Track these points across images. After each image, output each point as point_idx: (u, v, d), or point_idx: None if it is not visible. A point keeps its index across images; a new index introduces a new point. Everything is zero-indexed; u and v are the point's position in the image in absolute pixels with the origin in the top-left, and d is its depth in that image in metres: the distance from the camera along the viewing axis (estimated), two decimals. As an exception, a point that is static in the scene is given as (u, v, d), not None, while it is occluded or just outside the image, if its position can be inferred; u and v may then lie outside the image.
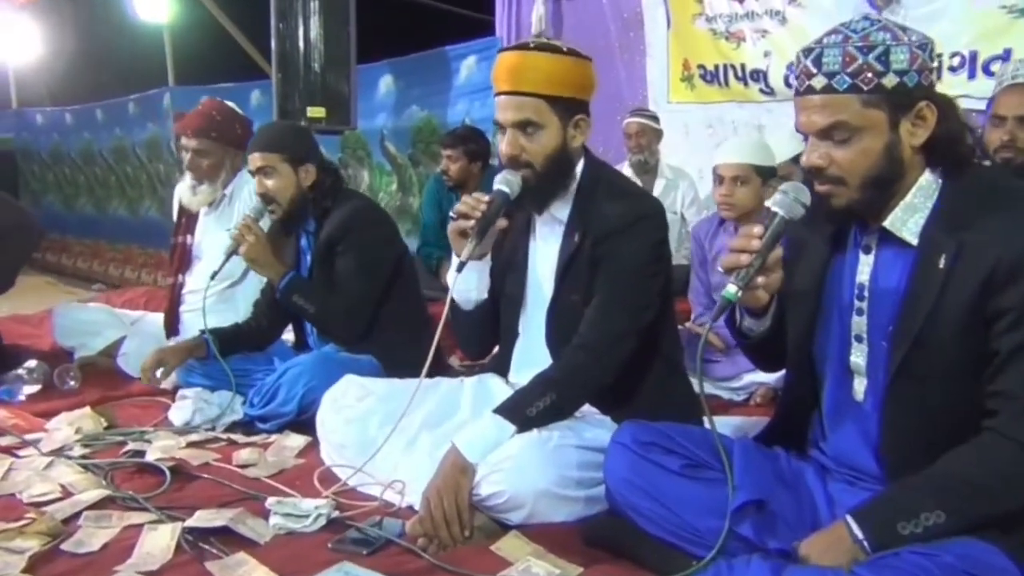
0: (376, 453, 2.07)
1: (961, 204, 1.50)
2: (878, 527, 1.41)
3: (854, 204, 1.54)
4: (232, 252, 2.71)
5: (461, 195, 2.92)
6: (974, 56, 3.54)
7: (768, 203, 1.58)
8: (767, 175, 2.92)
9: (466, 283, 2.15)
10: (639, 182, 4.65)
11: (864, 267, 1.61)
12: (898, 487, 1.49)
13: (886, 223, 1.54)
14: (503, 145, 2.04)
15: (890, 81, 1.46)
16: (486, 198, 2.00)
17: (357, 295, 2.71)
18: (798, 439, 1.79)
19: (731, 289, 1.51)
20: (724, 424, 2.53)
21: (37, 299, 6.43)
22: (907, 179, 1.53)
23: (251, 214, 2.72)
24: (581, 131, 2.06)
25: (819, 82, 1.49)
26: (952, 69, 3.60)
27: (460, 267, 2.00)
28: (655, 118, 4.64)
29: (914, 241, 1.52)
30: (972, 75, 3.54)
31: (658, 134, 4.63)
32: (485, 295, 2.21)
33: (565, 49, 2.03)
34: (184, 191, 3.34)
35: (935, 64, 1.51)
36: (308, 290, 2.72)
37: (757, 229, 1.53)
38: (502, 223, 2.03)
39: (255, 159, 2.73)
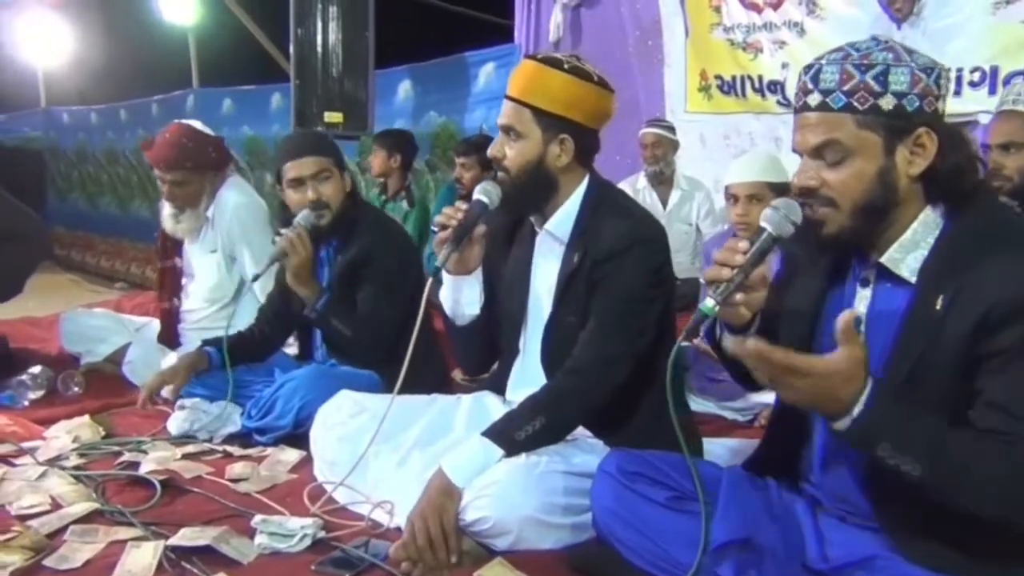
0: (356, 467, 2.07)
1: (963, 243, 1.43)
2: (871, 425, 1.32)
3: (845, 231, 1.47)
4: (277, 259, 2.62)
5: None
6: (995, 71, 3.48)
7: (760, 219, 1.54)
8: (781, 191, 2.86)
9: (457, 297, 2.15)
10: (655, 193, 4.65)
11: (861, 300, 1.55)
12: (912, 416, 1.35)
13: (883, 259, 1.49)
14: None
15: (887, 103, 1.40)
16: (464, 207, 2.02)
17: (385, 320, 2.67)
18: (787, 470, 1.74)
19: (708, 303, 1.45)
20: (722, 446, 2.49)
21: (61, 297, 6.53)
22: (904, 211, 1.47)
23: (302, 223, 2.62)
24: (566, 151, 2.02)
25: (815, 99, 1.44)
26: (973, 84, 3.53)
27: (435, 271, 2.02)
28: (671, 128, 4.61)
29: (912, 279, 1.46)
30: (992, 90, 3.47)
31: (674, 145, 4.60)
32: (478, 310, 2.19)
33: (567, 66, 1.99)
34: (167, 220, 3.28)
35: (942, 91, 1.44)
36: (344, 313, 2.67)
37: (743, 244, 1.47)
38: (480, 229, 2.04)
39: (308, 164, 2.65)
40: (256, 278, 2.74)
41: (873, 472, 1.52)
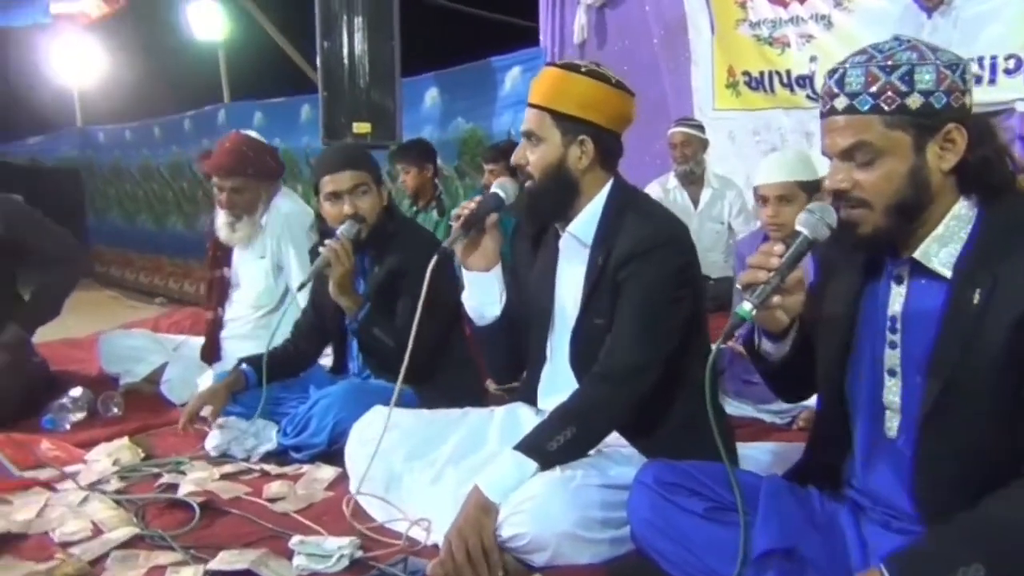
0: (365, 477, 2.13)
1: (998, 235, 1.42)
2: None
3: (880, 231, 1.46)
4: (321, 269, 2.61)
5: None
6: (1031, 58, 3.40)
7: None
8: (812, 190, 2.82)
9: (479, 296, 2.17)
10: (686, 192, 4.62)
11: (896, 298, 1.53)
12: (934, 535, 1.40)
13: (916, 254, 1.47)
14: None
15: (914, 102, 1.39)
16: (478, 199, 2.09)
17: (427, 333, 2.67)
18: (831, 476, 1.71)
19: (745, 307, 1.45)
20: (764, 450, 2.45)
21: (101, 314, 6.63)
22: (938, 206, 1.45)
23: (347, 234, 2.63)
24: (586, 152, 2.02)
25: (841, 103, 1.44)
26: (1008, 72, 3.45)
27: (441, 252, 2.07)
28: (700, 127, 4.57)
29: (947, 273, 1.44)
30: (1030, 77, 3.39)
31: (703, 143, 4.56)
32: (498, 311, 2.18)
33: (584, 69, 2.01)
34: (222, 228, 3.32)
35: (968, 86, 1.43)
36: (386, 324, 2.67)
37: (778, 247, 1.48)
38: (492, 219, 2.09)
39: (347, 178, 2.66)
40: (302, 286, 2.74)
41: (915, 474, 1.50)
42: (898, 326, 1.52)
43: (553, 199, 2.06)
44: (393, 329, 2.65)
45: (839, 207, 1.49)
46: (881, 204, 1.44)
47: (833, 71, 1.46)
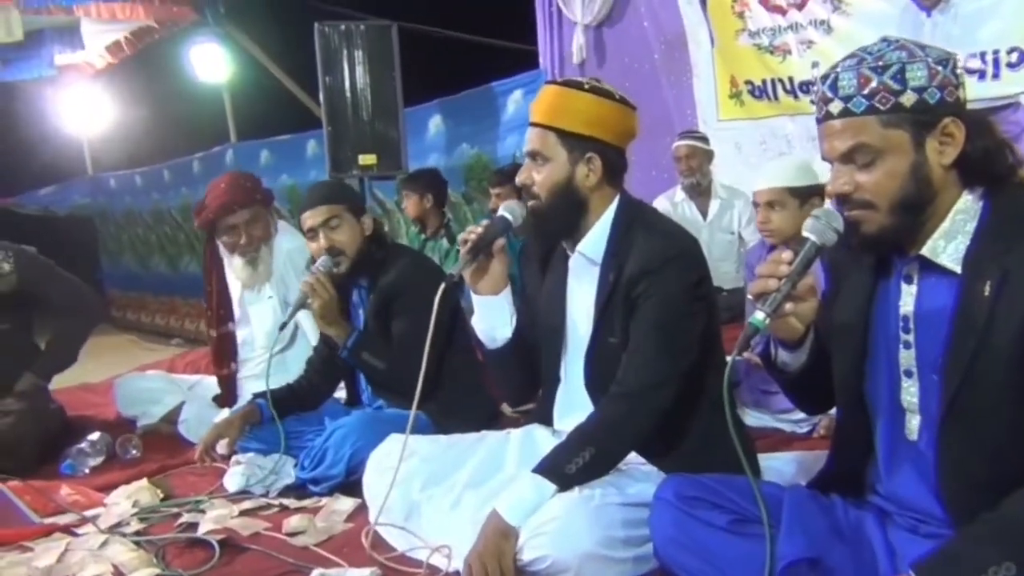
0: (383, 507, 2.10)
1: (1005, 226, 1.41)
2: None
3: (886, 231, 1.46)
4: (301, 305, 2.66)
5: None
6: (1033, 51, 3.37)
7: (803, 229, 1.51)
8: (804, 195, 2.80)
9: (489, 319, 2.16)
10: (693, 204, 4.60)
11: (907, 298, 1.51)
12: (962, 538, 1.37)
13: (924, 250, 1.46)
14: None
15: (909, 99, 1.39)
16: (486, 223, 2.08)
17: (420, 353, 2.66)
18: (855, 483, 1.68)
19: (758, 316, 1.44)
20: (786, 460, 2.42)
21: (118, 358, 6.66)
22: (942, 201, 1.44)
23: (321, 268, 2.66)
24: (594, 170, 2.01)
25: (836, 107, 1.44)
26: (1011, 65, 3.43)
27: (449, 280, 2.04)
28: (704, 139, 4.56)
29: (956, 268, 1.43)
30: (1033, 70, 3.36)
31: (708, 155, 4.55)
32: (509, 333, 2.17)
33: (587, 86, 2.00)
34: (242, 272, 3.27)
35: (960, 80, 1.43)
36: (377, 347, 2.68)
37: (787, 254, 1.47)
38: (500, 243, 2.07)
39: (318, 213, 2.68)
40: (283, 327, 2.78)
41: (939, 475, 1.47)
42: (911, 326, 1.50)
43: (562, 218, 2.04)
44: (383, 351, 2.66)
45: (843, 210, 1.48)
46: (885, 203, 1.43)
47: (825, 76, 1.46)
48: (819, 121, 1.49)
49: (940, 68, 1.39)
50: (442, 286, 2.03)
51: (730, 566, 1.58)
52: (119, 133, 9.70)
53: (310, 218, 2.70)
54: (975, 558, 1.30)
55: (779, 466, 2.34)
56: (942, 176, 1.43)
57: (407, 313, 2.67)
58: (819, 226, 1.48)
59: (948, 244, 1.44)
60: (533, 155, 2.03)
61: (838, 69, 1.44)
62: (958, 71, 1.42)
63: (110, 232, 10.84)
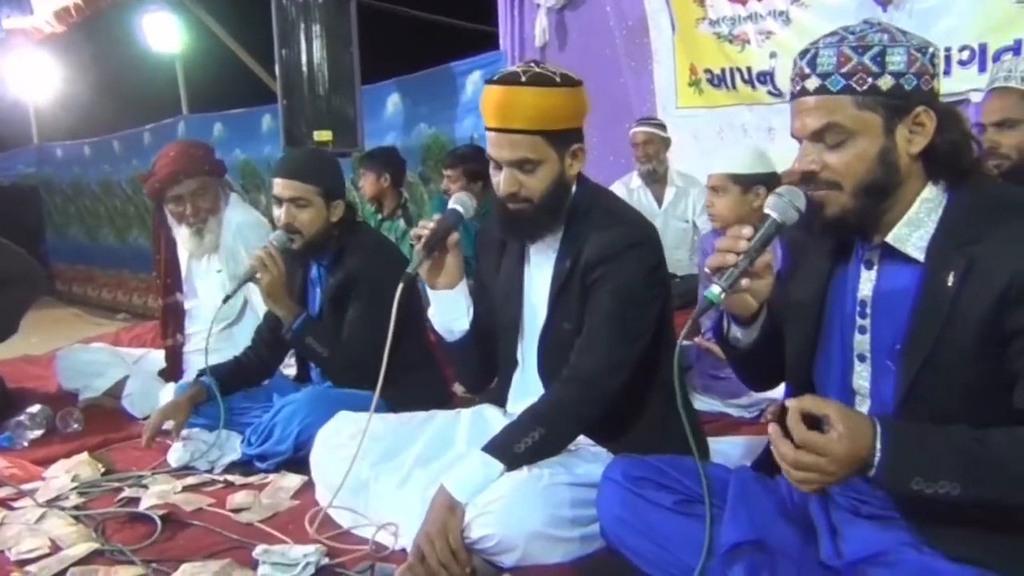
0: (349, 484, 2.06)
1: (968, 217, 1.41)
2: (897, 469, 1.31)
3: (848, 213, 1.46)
4: (249, 278, 2.58)
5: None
6: (983, 49, 3.43)
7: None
8: (748, 183, 2.83)
9: (447, 312, 2.12)
10: (649, 191, 4.62)
11: (865, 283, 1.52)
12: (936, 437, 1.34)
13: (888, 238, 1.46)
14: (499, 182, 1.96)
15: (886, 83, 1.39)
16: (438, 218, 2.02)
17: (368, 340, 2.61)
18: None
19: (714, 290, 1.43)
20: (733, 444, 2.45)
21: (63, 332, 6.52)
22: (906, 190, 1.45)
23: (274, 243, 2.59)
24: (579, 160, 2.00)
25: (813, 83, 1.43)
26: (962, 63, 3.49)
27: (407, 278, 1.99)
28: (662, 126, 4.58)
29: (920, 257, 1.44)
30: (982, 68, 3.42)
31: (666, 142, 4.57)
32: (467, 325, 2.15)
33: (558, 79, 1.92)
34: (188, 241, 3.21)
35: (937, 70, 1.43)
36: (321, 333, 2.64)
37: (746, 230, 1.47)
38: (454, 237, 2.04)
39: (287, 187, 2.61)
40: (227, 299, 2.67)
41: None
42: (868, 311, 1.51)
43: (553, 215, 2.00)
44: (328, 339, 2.62)
45: (808, 190, 1.48)
46: (851, 185, 1.44)
47: (805, 52, 1.45)
48: (793, 96, 1.48)
49: (919, 55, 1.40)
50: (400, 286, 1.99)
51: (676, 546, 1.59)
52: (67, 101, 9.47)
53: (279, 187, 2.64)
54: (937, 465, 1.31)
55: (727, 450, 2.36)
56: (908, 164, 1.44)
57: (363, 300, 2.64)
58: (781, 204, 1.48)
59: (913, 233, 1.45)
60: (522, 163, 1.93)
61: (819, 45, 1.43)
62: (936, 61, 1.43)
63: (56, 203, 10.58)
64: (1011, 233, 1.35)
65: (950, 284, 1.38)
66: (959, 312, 1.37)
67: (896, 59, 1.39)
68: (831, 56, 1.41)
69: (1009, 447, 1.31)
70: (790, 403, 1.35)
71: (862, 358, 1.53)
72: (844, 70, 1.40)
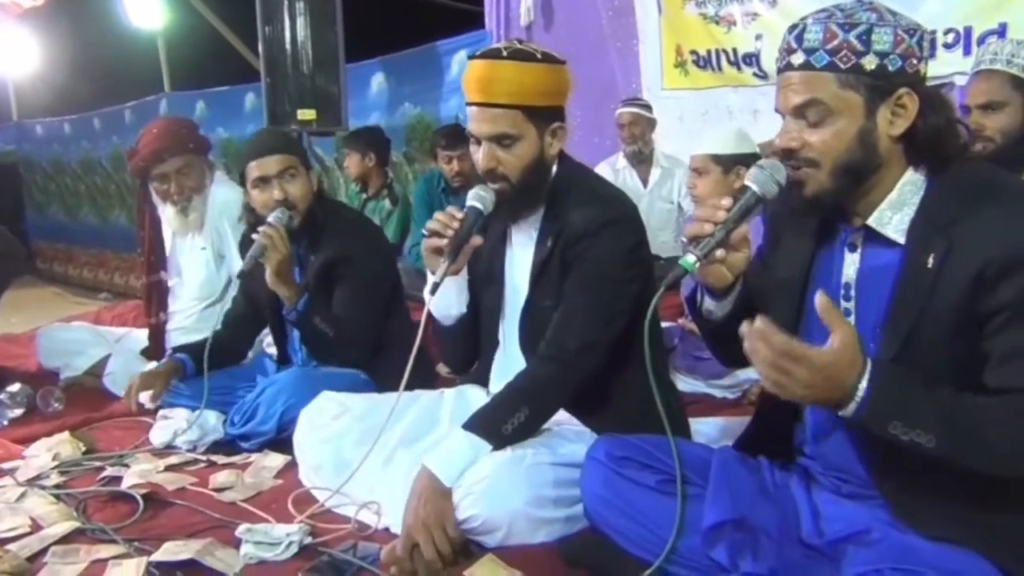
0: (351, 477, 2.03)
1: (948, 201, 1.41)
2: (880, 409, 1.30)
3: (826, 192, 1.45)
4: (258, 256, 2.51)
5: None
6: (968, 32, 3.42)
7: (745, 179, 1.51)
8: (729, 163, 2.83)
9: (445, 299, 2.09)
10: (635, 172, 4.61)
11: (850, 266, 1.53)
12: (922, 388, 1.34)
13: (870, 220, 1.46)
14: (479, 158, 1.96)
15: (870, 62, 1.38)
16: (459, 215, 1.93)
17: (364, 319, 2.63)
18: (782, 445, 1.71)
19: (689, 259, 1.43)
20: (712, 425, 2.46)
21: (44, 311, 6.46)
22: (886, 173, 1.45)
23: (279, 222, 2.54)
24: (558, 138, 1.99)
25: (798, 58, 1.42)
26: (947, 46, 3.49)
27: (434, 288, 1.94)
28: (648, 107, 4.57)
29: (900, 239, 1.44)
30: (968, 51, 3.41)
31: (651, 123, 4.56)
32: (465, 309, 2.15)
33: (539, 55, 1.93)
34: (174, 220, 3.18)
35: (924, 53, 1.42)
36: (326, 313, 2.60)
37: (726, 201, 1.46)
38: (477, 240, 1.96)
39: (274, 163, 2.57)
40: (241, 274, 2.60)
41: (868, 439, 1.49)
42: (852, 293, 1.52)
43: (533, 194, 2.00)
44: (333, 318, 2.60)
45: (788, 165, 1.48)
46: (829, 164, 1.43)
47: (794, 26, 1.44)
48: (779, 71, 1.48)
49: (906, 36, 1.38)
50: (428, 300, 1.97)
51: (658, 525, 1.60)
52: (47, 77, 9.32)
53: (262, 167, 2.58)
54: (917, 413, 1.31)
55: (708, 430, 2.38)
56: (888, 146, 1.43)
57: (354, 279, 2.63)
58: (762, 176, 1.47)
59: (894, 215, 1.45)
60: (500, 137, 1.92)
61: (808, 20, 1.43)
62: (924, 43, 1.41)
63: (36, 181, 10.45)
64: (990, 215, 1.35)
65: (930, 266, 1.38)
66: (938, 293, 1.37)
67: (882, 39, 1.38)
68: (818, 32, 1.40)
69: (991, 413, 1.32)
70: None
71: None
72: (829, 47, 1.39)
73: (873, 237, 1.48)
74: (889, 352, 1.43)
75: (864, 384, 1.30)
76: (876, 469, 1.50)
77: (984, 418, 1.32)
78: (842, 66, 1.39)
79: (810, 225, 1.59)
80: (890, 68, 1.38)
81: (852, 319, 1.51)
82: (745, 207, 1.46)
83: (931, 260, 1.38)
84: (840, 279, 1.54)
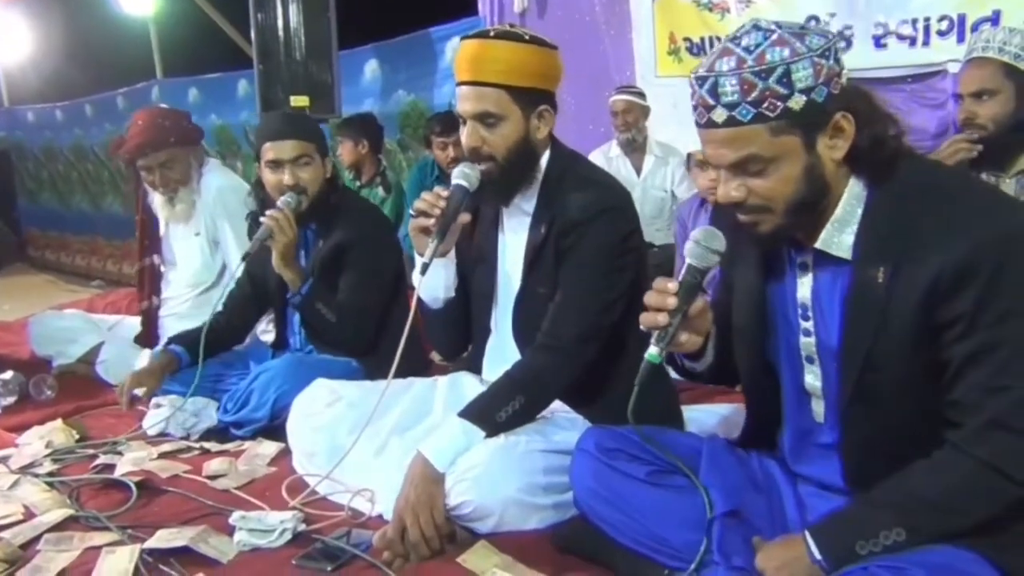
0: (341, 461, 2.03)
1: (891, 210, 1.38)
2: (836, 546, 1.33)
3: (783, 229, 1.43)
4: (264, 239, 2.50)
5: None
6: (962, 19, 3.42)
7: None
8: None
9: (433, 281, 2.10)
10: (628, 160, 4.61)
11: (804, 287, 1.50)
12: (858, 503, 1.42)
13: (818, 244, 1.43)
14: (464, 137, 1.98)
15: (797, 103, 1.31)
16: (445, 194, 1.94)
17: (367, 306, 2.62)
18: (770, 445, 1.72)
19: (652, 351, 1.43)
20: (708, 412, 2.46)
21: (37, 298, 6.44)
22: (835, 193, 1.41)
23: (287, 206, 2.53)
24: (545, 122, 1.99)
25: (720, 115, 1.34)
26: (940, 33, 3.48)
27: (424, 269, 1.94)
28: (641, 95, 4.55)
29: (848, 256, 1.42)
30: (961, 39, 3.40)
31: (645, 111, 4.55)
32: (453, 293, 2.15)
33: (528, 37, 1.95)
34: (162, 208, 3.19)
35: (841, 65, 1.35)
36: (329, 299, 2.60)
37: (671, 285, 1.43)
38: (465, 218, 1.97)
39: (290, 147, 2.56)
40: (246, 257, 2.59)
41: (843, 456, 1.51)
42: (810, 314, 1.50)
43: (519, 176, 2.00)
44: (336, 304, 2.59)
45: (738, 214, 1.44)
46: (781, 206, 1.39)
47: (703, 79, 1.35)
48: (699, 126, 1.39)
49: (823, 61, 1.31)
50: (418, 282, 1.98)
51: (648, 517, 1.60)
52: (38, 64, 9.28)
53: (276, 150, 2.57)
54: (869, 521, 1.34)
55: (701, 418, 2.37)
56: (834, 170, 1.39)
57: (361, 266, 2.62)
58: (698, 251, 1.44)
59: (840, 233, 1.42)
60: (485, 116, 1.93)
61: (716, 72, 1.33)
62: (839, 54, 1.35)
63: (28, 168, 10.39)
64: (936, 224, 1.33)
65: (880, 280, 1.36)
66: (892, 308, 1.35)
67: (802, 74, 1.30)
68: (734, 84, 1.31)
69: (929, 480, 1.34)
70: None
71: (811, 360, 1.52)
72: (751, 99, 1.31)
73: (823, 256, 1.45)
74: (851, 370, 1.42)
75: (811, 544, 1.35)
76: (854, 485, 1.50)
77: (929, 488, 1.33)
78: (771, 115, 1.31)
79: (752, 256, 1.57)
80: (819, 100, 1.32)
81: (812, 339, 1.50)
82: (691, 285, 1.44)
83: (881, 275, 1.36)
84: (795, 300, 1.52)
